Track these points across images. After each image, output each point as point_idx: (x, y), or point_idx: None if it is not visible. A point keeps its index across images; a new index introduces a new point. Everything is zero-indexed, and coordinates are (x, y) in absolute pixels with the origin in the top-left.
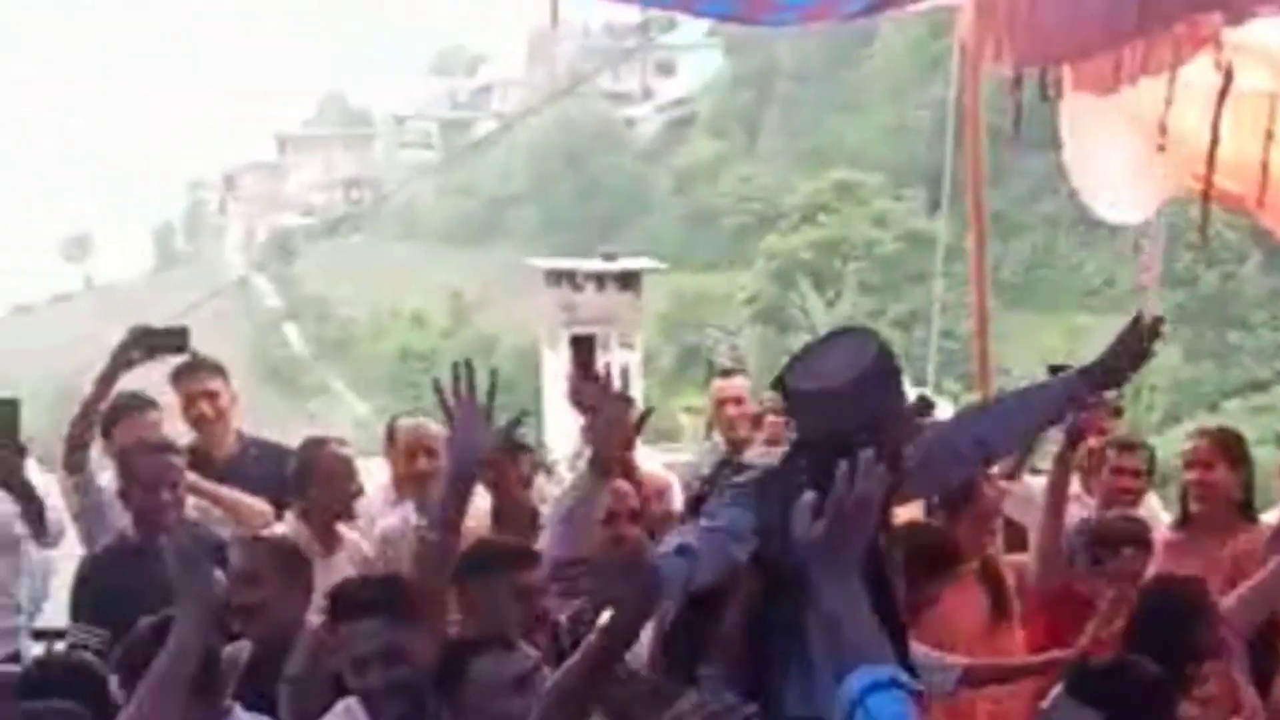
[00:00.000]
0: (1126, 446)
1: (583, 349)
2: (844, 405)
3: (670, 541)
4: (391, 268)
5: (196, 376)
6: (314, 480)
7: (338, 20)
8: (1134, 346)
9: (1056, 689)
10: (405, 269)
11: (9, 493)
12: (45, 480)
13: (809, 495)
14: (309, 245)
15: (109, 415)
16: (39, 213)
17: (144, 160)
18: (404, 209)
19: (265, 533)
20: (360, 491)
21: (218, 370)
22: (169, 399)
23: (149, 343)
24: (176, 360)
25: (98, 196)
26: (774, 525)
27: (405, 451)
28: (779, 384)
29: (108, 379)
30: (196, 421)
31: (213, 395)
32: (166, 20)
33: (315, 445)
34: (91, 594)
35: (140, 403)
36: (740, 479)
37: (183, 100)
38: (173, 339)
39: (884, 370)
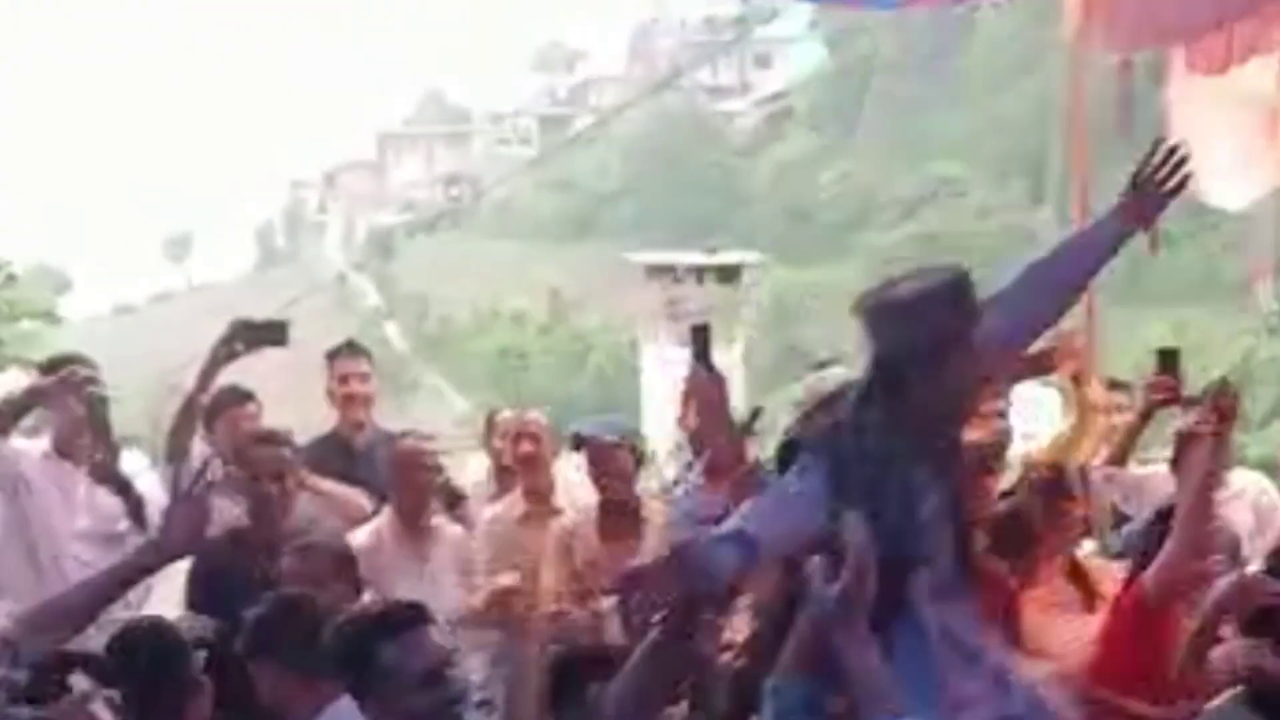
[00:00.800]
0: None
1: (699, 338)
2: (904, 321)
3: (728, 525)
4: (490, 265)
5: (355, 358)
6: (392, 473)
7: (438, 18)
8: (1159, 171)
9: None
10: (504, 266)
11: (109, 487)
12: (149, 477)
13: (816, 560)
14: (408, 243)
15: (210, 408)
16: (141, 213)
17: (245, 160)
18: (503, 206)
19: (323, 538)
20: (430, 485)
21: (369, 356)
22: (265, 393)
23: (250, 336)
24: (277, 354)
25: (199, 196)
26: (850, 490)
27: (510, 437)
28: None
29: (209, 372)
30: (347, 400)
31: (365, 377)
32: (266, 19)
33: (394, 439)
34: (202, 583)
35: (240, 395)
36: (808, 441)
37: (283, 99)
38: (273, 332)
39: (952, 293)
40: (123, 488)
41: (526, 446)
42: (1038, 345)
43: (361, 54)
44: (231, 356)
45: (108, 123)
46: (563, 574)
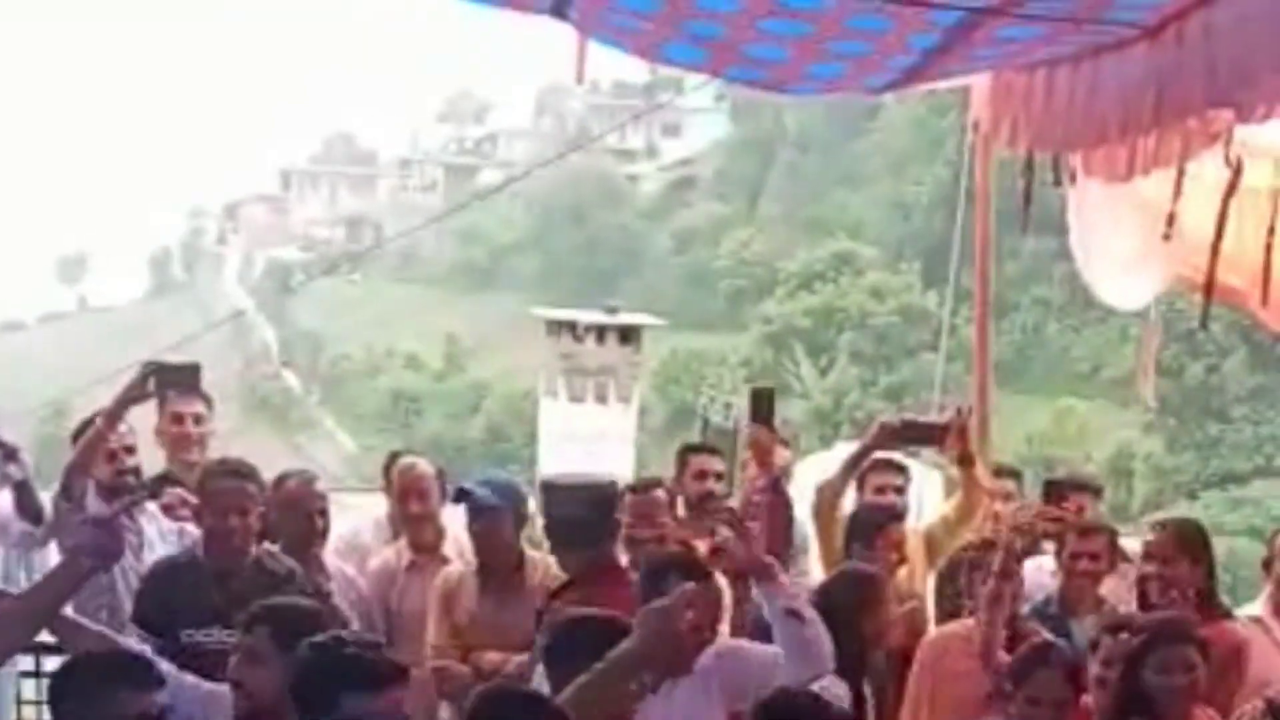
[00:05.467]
0: (1086, 531)
1: (762, 401)
2: None
3: None
4: (388, 308)
5: (189, 398)
6: (277, 512)
7: (349, 60)
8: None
9: None
10: (402, 311)
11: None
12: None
13: None
14: (307, 281)
15: (85, 423)
16: (36, 230)
17: (145, 184)
18: (404, 251)
19: None
20: (315, 524)
21: (208, 399)
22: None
23: (162, 378)
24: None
25: (96, 217)
26: None
27: (398, 493)
28: None
29: (117, 411)
30: (175, 440)
31: (199, 419)
32: (176, 45)
33: (280, 479)
34: (151, 603)
35: None
36: None
37: (188, 126)
38: (185, 375)
39: None
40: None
41: (415, 507)
42: (930, 418)
43: (271, 88)
44: (143, 397)
45: (5, 135)
46: (444, 628)
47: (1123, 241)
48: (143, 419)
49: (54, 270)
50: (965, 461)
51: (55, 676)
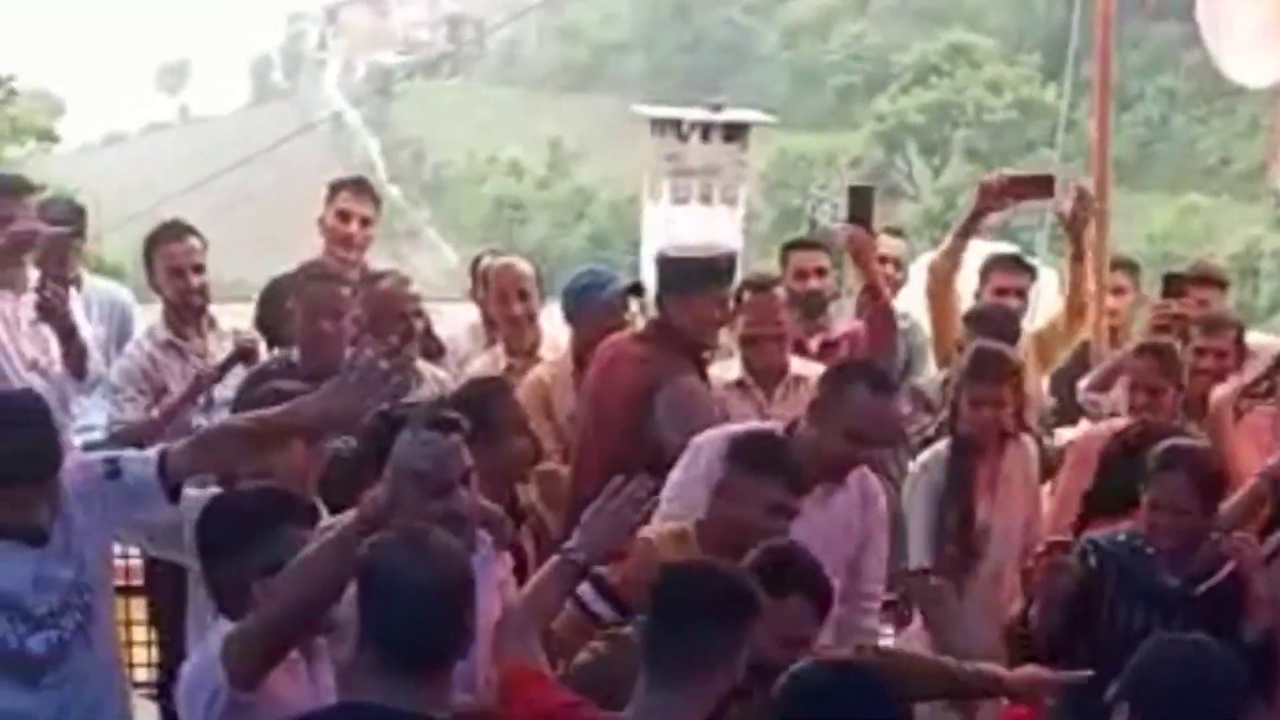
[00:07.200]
0: (1212, 325)
1: (861, 199)
2: None
3: None
4: (490, 112)
5: (361, 197)
6: (368, 315)
7: None
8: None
9: None
10: (504, 114)
11: (52, 326)
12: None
13: None
14: (408, 85)
15: (150, 240)
16: (136, 40)
17: None
18: (506, 52)
19: None
20: (409, 328)
21: (377, 202)
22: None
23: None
24: (268, 192)
25: (196, 25)
26: None
27: (496, 294)
28: None
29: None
30: (343, 240)
31: (366, 221)
32: None
33: (372, 278)
34: (250, 401)
35: (181, 229)
36: None
37: None
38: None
39: None
40: (65, 330)
41: (516, 307)
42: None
43: None
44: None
45: None
46: (545, 430)
47: (1251, 14)
48: (229, 229)
49: (154, 80)
50: (1077, 258)
51: (208, 511)
